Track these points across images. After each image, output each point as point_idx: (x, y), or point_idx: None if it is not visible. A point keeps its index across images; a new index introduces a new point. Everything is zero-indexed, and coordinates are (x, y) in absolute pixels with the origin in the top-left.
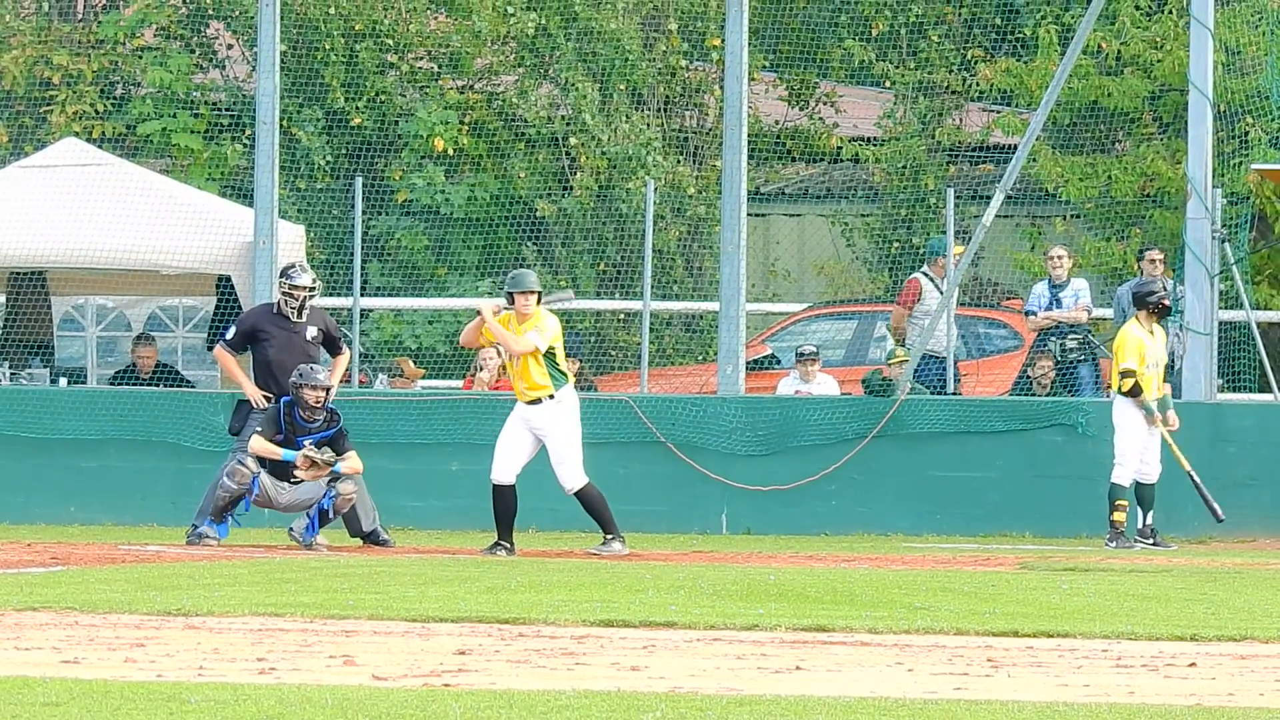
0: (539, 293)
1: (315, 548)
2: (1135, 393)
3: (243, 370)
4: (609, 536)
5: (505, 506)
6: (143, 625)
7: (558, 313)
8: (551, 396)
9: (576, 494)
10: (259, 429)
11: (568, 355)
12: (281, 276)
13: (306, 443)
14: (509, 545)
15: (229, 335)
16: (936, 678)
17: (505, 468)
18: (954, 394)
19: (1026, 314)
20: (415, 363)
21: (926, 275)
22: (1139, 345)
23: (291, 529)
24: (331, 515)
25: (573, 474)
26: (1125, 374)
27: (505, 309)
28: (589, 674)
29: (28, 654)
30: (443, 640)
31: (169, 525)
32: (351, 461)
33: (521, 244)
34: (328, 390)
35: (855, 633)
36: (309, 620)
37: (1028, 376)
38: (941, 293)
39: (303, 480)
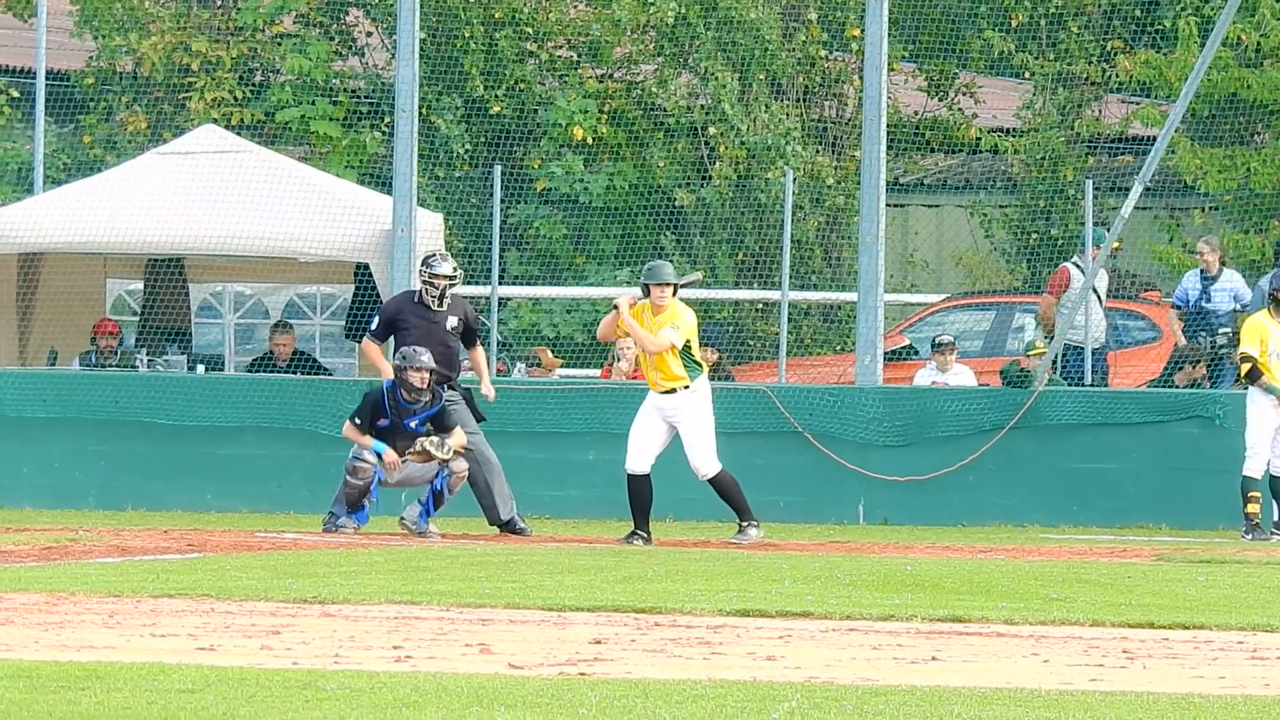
0: (675, 285)
1: (428, 535)
2: (1254, 377)
3: (388, 361)
4: (744, 523)
5: (641, 495)
6: (279, 613)
7: (691, 302)
8: (687, 387)
9: (711, 480)
10: (355, 418)
11: (706, 344)
12: (422, 265)
13: (424, 432)
14: (646, 534)
15: (373, 326)
16: (1072, 669)
17: (640, 457)
18: (1091, 385)
19: (1175, 305)
20: (553, 352)
21: (1077, 265)
22: (1259, 332)
23: (403, 518)
24: (448, 495)
25: (707, 460)
26: (1243, 359)
27: (640, 300)
28: (725, 663)
29: (164, 640)
30: (579, 629)
31: (305, 512)
32: (456, 437)
33: (660, 233)
34: (432, 371)
35: (991, 623)
36: (445, 608)
37: (1173, 378)
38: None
39: (410, 461)
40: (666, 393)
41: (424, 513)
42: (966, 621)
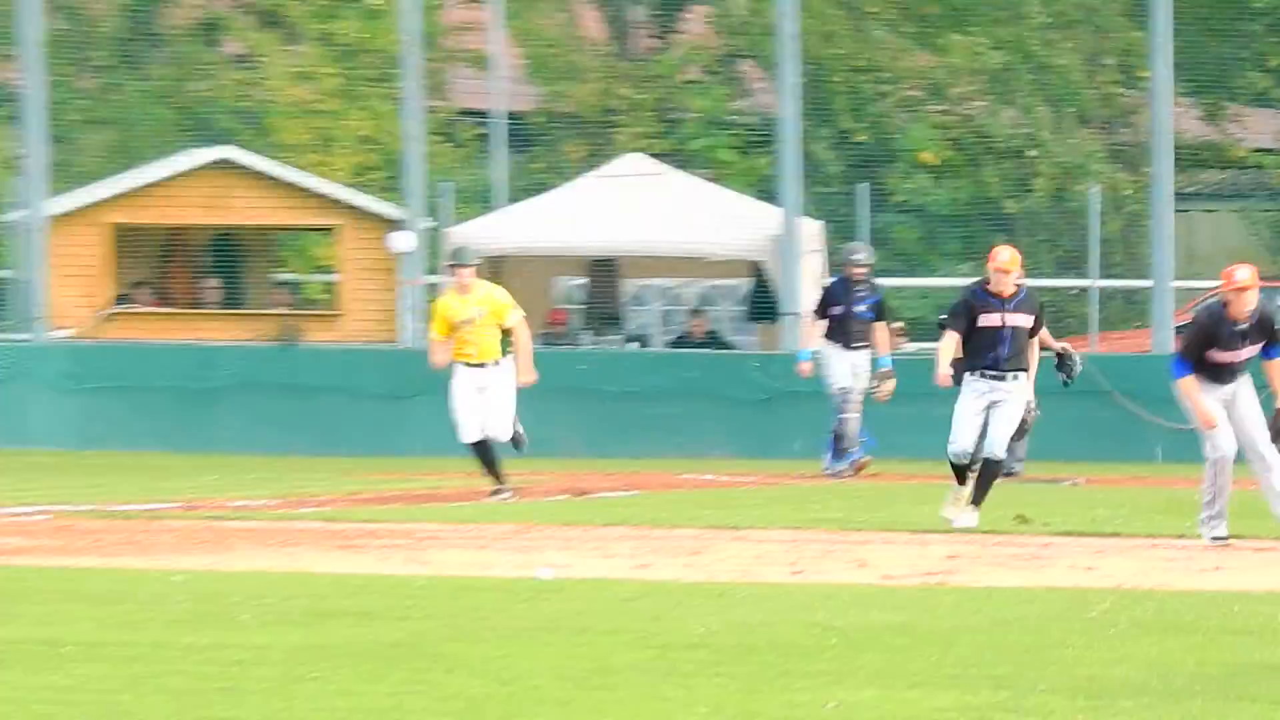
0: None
1: (841, 475)
2: None
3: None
4: (497, 489)
5: (484, 456)
6: (699, 538)
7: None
8: (497, 363)
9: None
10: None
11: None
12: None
13: (869, 319)
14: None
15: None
16: None
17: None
18: None
19: None
20: (907, 331)
21: None
22: None
23: (824, 470)
24: (846, 437)
25: (504, 426)
26: None
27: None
28: (1052, 573)
29: (609, 561)
30: (936, 548)
31: (721, 457)
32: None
33: (993, 236)
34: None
35: (1263, 539)
36: (830, 533)
37: None
38: None
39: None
40: (478, 365)
41: (833, 456)
42: (1243, 538)
